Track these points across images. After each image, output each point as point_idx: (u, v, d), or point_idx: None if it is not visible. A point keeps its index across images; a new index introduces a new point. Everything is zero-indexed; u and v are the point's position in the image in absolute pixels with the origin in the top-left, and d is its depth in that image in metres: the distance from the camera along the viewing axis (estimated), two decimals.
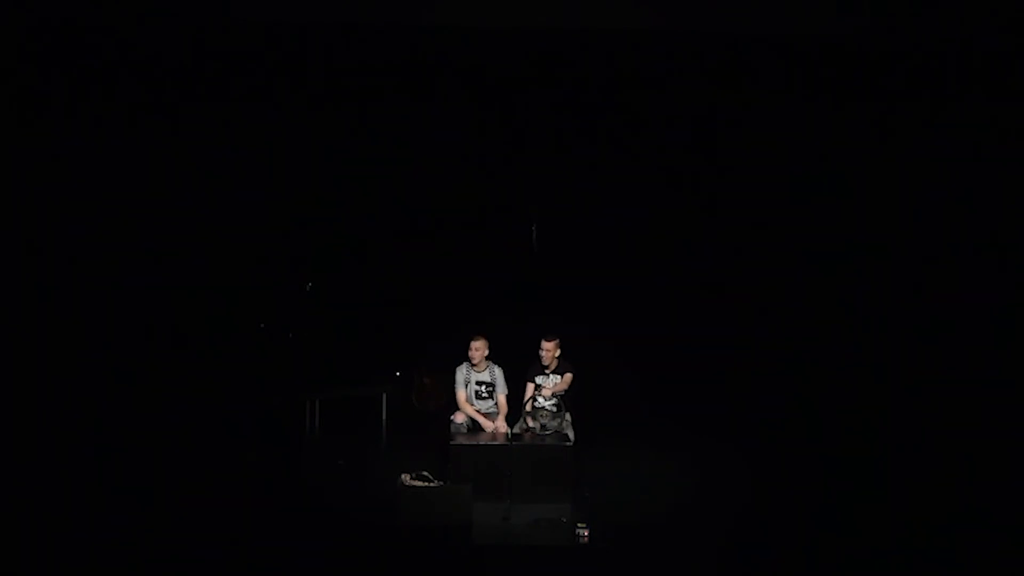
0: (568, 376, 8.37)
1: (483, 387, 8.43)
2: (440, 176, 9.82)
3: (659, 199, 9.94)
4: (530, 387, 8.41)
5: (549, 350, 8.34)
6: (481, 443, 7.94)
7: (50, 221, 8.88)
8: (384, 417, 9.13)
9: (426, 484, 7.35)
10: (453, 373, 8.46)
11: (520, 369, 8.49)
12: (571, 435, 8.05)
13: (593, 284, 9.92)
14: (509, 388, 8.47)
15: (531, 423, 8.11)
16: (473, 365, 8.43)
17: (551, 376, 8.39)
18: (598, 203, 9.91)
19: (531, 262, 10.04)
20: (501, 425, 8.21)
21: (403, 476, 7.45)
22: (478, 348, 8.37)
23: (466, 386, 8.42)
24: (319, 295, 9.61)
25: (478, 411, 8.34)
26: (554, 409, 8.14)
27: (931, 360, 8.94)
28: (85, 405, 8.60)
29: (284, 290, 9.60)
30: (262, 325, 9.40)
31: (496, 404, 8.44)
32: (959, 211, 9.05)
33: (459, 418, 8.35)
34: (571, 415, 8.29)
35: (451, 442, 7.91)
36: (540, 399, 8.24)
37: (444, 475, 7.55)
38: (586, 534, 6.88)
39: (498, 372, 8.46)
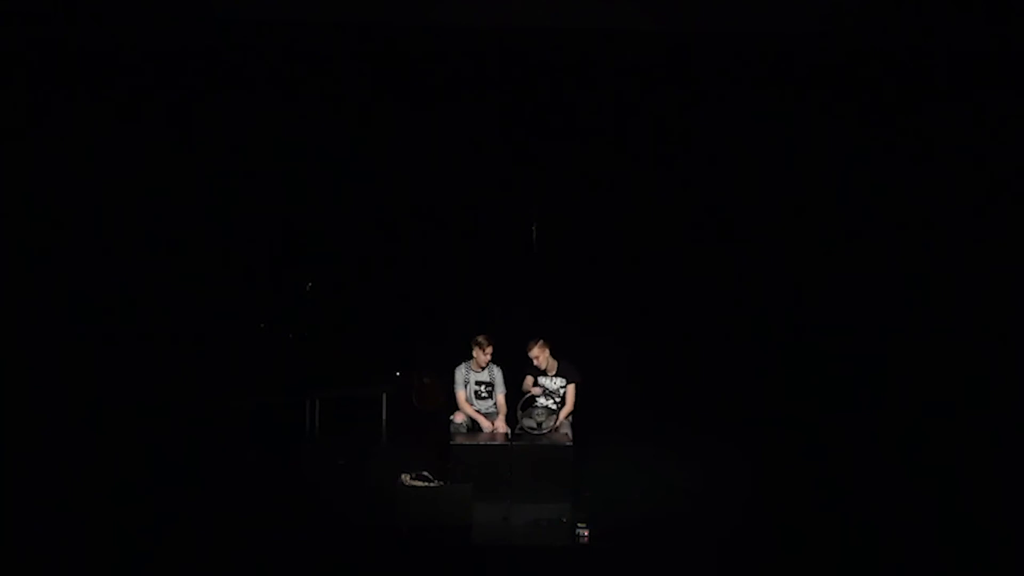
0: (571, 394, 8.28)
1: (483, 387, 8.43)
2: (440, 176, 9.82)
3: (657, 199, 9.94)
4: (528, 379, 8.35)
5: (537, 356, 8.25)
6: (481, 443, 7.94)
7: (49, 221, 8.89)
8: (384, 417, 9.12)
9: (426, 484, 7.36)
10: (453, 373, 8.45)
11: (518, 369, 8.48)
12: (569, 434, 8.04)
13: (593, 284, 9.92)
14: (508, 388, 8.46)
15: (526, 421, 8.09)
16: (480, 367, 8.40)
17: (553, 379, 8.34)
18: (598, 203, 9.91)
19: (531, 262, 10.04)
20: (501, 425, 8.21)
21: (403, 476, 7.46)
22: (489, 352, 8.33)
23: (466, 386, 8.42)
24: (319, 295, 9.61)
25: (478, 411, 8.34)
26: (552, 408, 8.13)
27: (931, 358, 8.95)
28: (85, 404, 8.60)
29: (284, 290, 9.61)
30: (262, 325, 9.40)
31: (495, 404, 8.43)
32: (955, 209, 9.07)
33: (459, 418, 8.35)
34: (570, 415, 8.27)
35: (451, 442, 7.91)
36: (539, 400, 8.23)
37: (444, 475, 7.56)
38: (586, 534, 6.88)
39: (497, 372, 8.45)
